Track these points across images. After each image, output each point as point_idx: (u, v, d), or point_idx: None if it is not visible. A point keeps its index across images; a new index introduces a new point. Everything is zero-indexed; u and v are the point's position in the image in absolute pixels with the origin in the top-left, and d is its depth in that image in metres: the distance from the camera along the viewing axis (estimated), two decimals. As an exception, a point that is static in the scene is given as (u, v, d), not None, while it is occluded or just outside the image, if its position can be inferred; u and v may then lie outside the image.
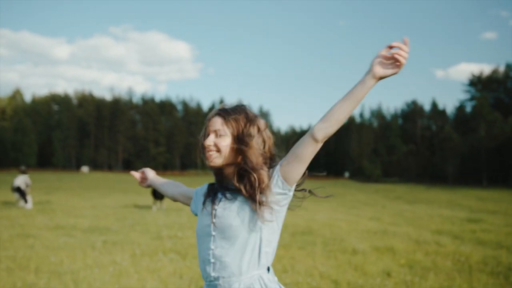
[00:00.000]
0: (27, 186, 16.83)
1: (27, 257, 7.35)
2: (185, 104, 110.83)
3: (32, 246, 8.40)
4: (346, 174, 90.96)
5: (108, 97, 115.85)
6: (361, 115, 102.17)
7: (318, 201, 25.77)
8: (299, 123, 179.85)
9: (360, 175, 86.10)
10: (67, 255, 7.60)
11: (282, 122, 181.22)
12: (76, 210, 16.18)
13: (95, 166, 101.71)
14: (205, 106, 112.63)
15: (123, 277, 6.21)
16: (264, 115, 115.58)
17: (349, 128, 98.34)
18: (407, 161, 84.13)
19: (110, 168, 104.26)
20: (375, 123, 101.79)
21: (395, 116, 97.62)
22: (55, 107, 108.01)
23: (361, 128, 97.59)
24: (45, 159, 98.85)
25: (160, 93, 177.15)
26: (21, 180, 16.70)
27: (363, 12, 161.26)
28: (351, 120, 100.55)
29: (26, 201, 16.47)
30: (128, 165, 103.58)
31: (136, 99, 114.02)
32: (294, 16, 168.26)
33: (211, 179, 2.16)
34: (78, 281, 5.93)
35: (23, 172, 17.50)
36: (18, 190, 16.57)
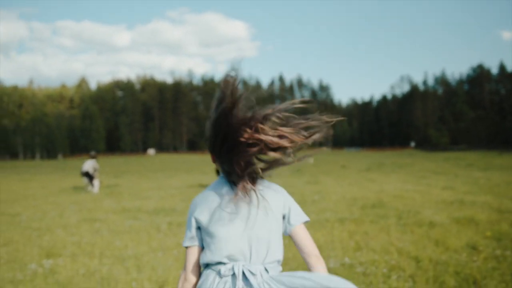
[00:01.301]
0: (95, 170, 17.07)
1: (92, 242, 7.25)
2: (244, 83, 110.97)
3: (98, 231, 8.33)
4: (412, 144, 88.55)
5: (169, 80, 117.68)
6: (425, 82, 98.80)
7: (385, 172, 24.93)
8: (361, 95, 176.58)
9: (427, 144, 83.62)
10: (132, 239, 7.45)
11: (343, 95, 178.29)
12: (142, 192, 16.28)
13: (161, 148, 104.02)
14: (265, 83, 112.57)
15: (188, 260, 5.95)
16: (325, 88, 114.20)
17: (412, 97, 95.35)
18: (476, 127, 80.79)
19: (175, 149, 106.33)
20: (440, 90, 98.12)
21: (460, 82, 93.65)
22: (119, 93, 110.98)
23: (425, 96, 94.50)
24: (113, 144, 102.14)
25: (219, 73, 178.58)
26: (89, 165, 16.96)
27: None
28: (414, 88, 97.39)
29: (93, 185, 16.76)
30: (193, 146, 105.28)
31: (197, 80, 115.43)
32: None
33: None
34: (141, 266, 5.71)
35: (92, 157, 17.75)
36: (87, 174, 16.87)
